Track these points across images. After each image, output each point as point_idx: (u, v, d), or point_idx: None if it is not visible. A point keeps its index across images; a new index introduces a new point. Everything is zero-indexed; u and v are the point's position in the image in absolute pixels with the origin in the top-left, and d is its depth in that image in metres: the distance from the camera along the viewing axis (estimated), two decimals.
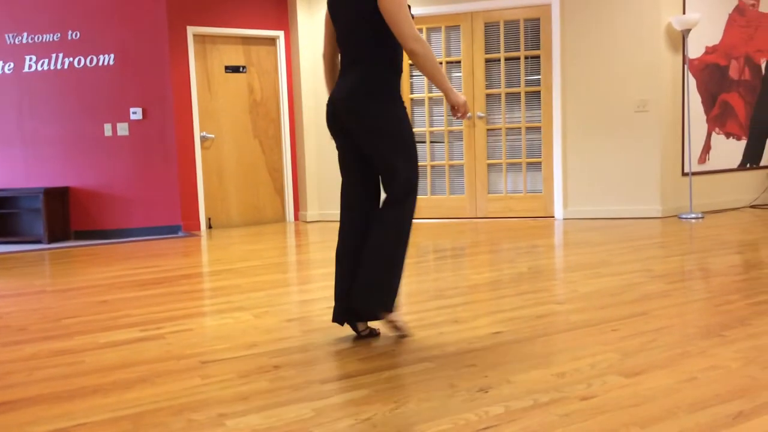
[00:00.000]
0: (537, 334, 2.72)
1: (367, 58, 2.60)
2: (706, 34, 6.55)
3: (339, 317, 2.74)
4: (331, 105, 2.68)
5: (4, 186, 6.88)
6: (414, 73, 7.08)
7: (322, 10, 7.20)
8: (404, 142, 2.61)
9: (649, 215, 6.36)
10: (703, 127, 6.65)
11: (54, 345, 2.86)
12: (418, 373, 2.30)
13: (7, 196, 6.70)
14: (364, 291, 2.61)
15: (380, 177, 2.69)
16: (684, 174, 6.53)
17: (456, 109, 2.60)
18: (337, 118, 2.67)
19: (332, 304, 3.41)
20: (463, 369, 2.33)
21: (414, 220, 2.71)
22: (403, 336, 2.75)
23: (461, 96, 2.60)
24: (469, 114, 2.62)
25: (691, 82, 6.50)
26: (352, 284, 2.67)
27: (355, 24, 2.60)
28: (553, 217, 6.70)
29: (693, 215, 6.25)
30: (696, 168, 6.60)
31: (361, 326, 2.76)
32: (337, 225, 6.90)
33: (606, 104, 6.43)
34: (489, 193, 6.93)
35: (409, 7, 2.58)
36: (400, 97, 2.66)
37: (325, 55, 2.83)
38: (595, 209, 6.53)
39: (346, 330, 2.89)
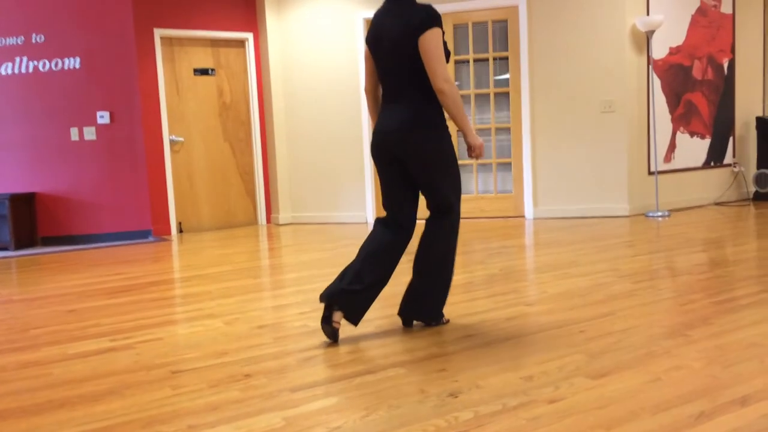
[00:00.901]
0: (507, 337, 2.75)
1: (412, 93, 2.78)
2: (670, 35, 6.68)
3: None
4: (379, 136, 2.84)
5: None
6: None
7: (291, 13, 7.18)
8: (452, 173, 2.85)
9: (616, 214, 6.47)
10: (668, 126, 6.78)
11: (21, 357, 2.82)
12: (388, 379, 2.32)
13: None
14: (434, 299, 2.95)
15: (428, 201, 2.92)
16: (650, 173, 6.64)
17: (472, 149, 2.82)
18: (385, 149, 2.83)
19: (304, 310, 3.42)
20: (434, 374, 2.35)
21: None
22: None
23: (479, 139, 2.83)
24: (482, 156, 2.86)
25: (656, 82, 6.62)
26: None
27: (398, 61, 2.77)
28: (524, 216, 6.77)
29: (659, 213, 6.36)
30: (662, 167, 6.73)
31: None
32: (310, 227, 6.89)
33: (573, 105, 6.51)
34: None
35: (447, 48, 2.77)
36: (446, 126, 2.83)
37: (368, 90, 3.00)
38: (564, 208, 6.61)
39: (317, 337, 2.90)
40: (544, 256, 4.62)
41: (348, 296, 2.75)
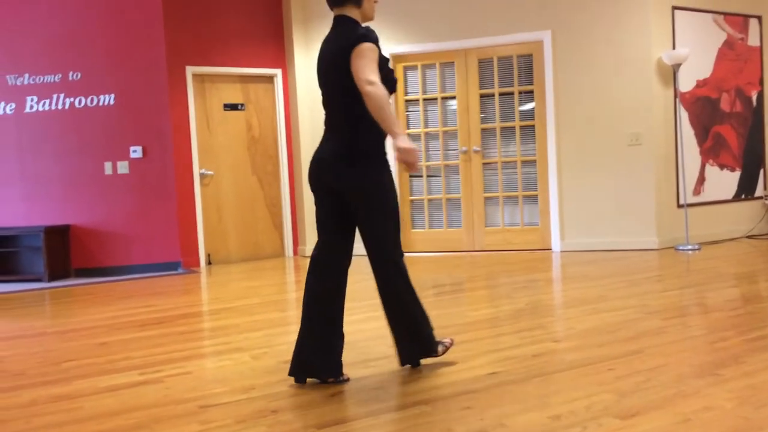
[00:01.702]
0: (533, 374, 2.74)
1: (345, 122, 2.73)
2: (697, 67, 6.66)
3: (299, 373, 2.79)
4: (312, 165, 2.78)
5: (5, 224, 6.92)
6: (410, 109, 7.17)
7: (318, 47, 7.31)
8: (389, 210, 2.73)
9: (645, 247, 6.40)
10: (697, 159, 6.73)
11: (53, 390, 2.87)
12: (414, 417, 2.32)
13: (8, 234, 6.74)
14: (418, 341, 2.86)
15: (364, 242, 2.79)
16: (679, 206, 6.58)
17: (401, 153, 2.52)
18: (317, 178, 2.78)
19: None
20: (459, 412, 2.34)
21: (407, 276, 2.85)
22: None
23: (410, 143, 2.53)
24: (418, 169, 2.73)
25: (683, 115, 6.59)
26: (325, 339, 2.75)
27: (332, 87, 2.75)
28: (551, 249, 6.73)
29: (690, 247, 6.28)
30: (691, 199, 6.66)
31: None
32: None
33: (600, 138, 6.50)
34: (486, 226, 6.97)
35: (393, 76, 2.71)
36: (384, 160, 2.76)
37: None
38: (592, 241, 6.57)
39: (345, 371, 2.90)
40: (572, 290, 4.58)
41: (320, 363, 2.73)
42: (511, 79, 6.83)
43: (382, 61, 2.70)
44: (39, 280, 6.60)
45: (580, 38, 6.52)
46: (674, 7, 6.52)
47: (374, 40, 2.66)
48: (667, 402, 2.33)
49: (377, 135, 2.72)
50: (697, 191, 6.72)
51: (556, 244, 6.68)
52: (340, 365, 2.76)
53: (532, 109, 6.78)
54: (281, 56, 7.44)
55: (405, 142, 2.52)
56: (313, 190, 2.82)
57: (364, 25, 2.76)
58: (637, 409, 2.28)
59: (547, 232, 6.77)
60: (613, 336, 3.28)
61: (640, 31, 6.36)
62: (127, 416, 2.49)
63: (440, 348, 2.95)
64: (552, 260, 6.12)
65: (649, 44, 6.34)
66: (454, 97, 7.02)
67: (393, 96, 7.25)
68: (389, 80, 2.67)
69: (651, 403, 2.34)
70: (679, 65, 6.32)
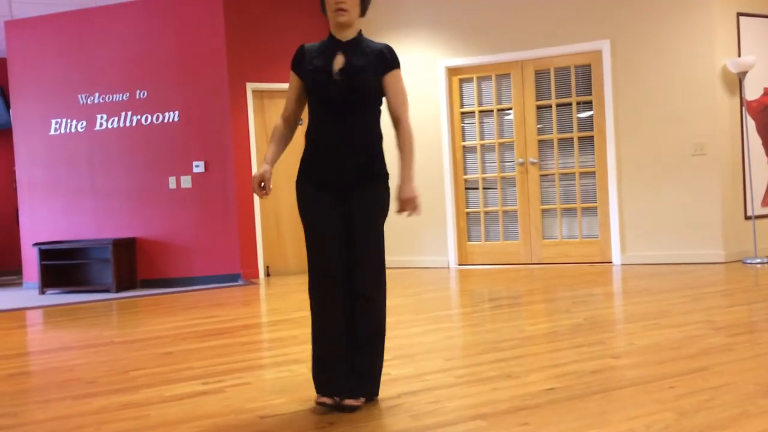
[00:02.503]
0: (592, 391, 2.70)
1: None
2: (764, 75, 6.44)
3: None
4: None
5: (76, 237, 7.25)
6: (465, 121, 7.17)
7: None
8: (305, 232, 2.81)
9: (711, 260, 6.20)
10: (765, 168, 6.49)
11: (122, 398, 2.99)
12: None
13: (79, 247, 7.05)
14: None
15: None
16: (747, 217, 6.35)
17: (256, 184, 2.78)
18: None
19: (385, 357, 3.46)
20: (516, 428, 2.33)
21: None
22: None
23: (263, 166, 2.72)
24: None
25: (750, 124, 6.37)
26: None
27: None
28: (611, 262, 6.60)
29: (758, 260, 6.05)
30: (759, 211, 6.42)
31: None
32: (390, 272, 6.96)
33: (661, 148, 6.35)
34: (543, 238, 6.89)
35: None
36: (300, 179, 2.82)
37: None
38: (654, 254, 6.40)
39: (399, 385, 2.93)
40: (633, 305, 4.49)
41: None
42: (569, 89, 6.76)
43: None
44: (107, 290, 6.87)
45: (640, 47, 6.40)
46: (739, 14, 6.33)
47: (293, 65, 2.73)
48: (731, 422, 2.27)
49: (306, 154, 2.79)
50: (765, 202, 6.47)
51: (616, 257, 6.55)
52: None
53: (591, 119, 6.68)
54: None
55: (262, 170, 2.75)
56: None
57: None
58: (699, 428, 2.22)
59: (607, 244, 6.64)
60: (676, 353, 3.20)
61: (704, 39, 6.20)
62: (190, 425, 2.57)
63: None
64: (612, 274, 5.99)
65: (713, 52, 6.18)
66: (510, 109, 6.99)
67: (445, 108, 7.17)
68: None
69: (714, 422, 2.27)
70: (745, 73, 6.13)
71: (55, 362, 3.79)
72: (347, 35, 2.67)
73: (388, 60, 2.65)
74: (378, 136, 2.70)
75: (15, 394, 3.16)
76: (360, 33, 2.70)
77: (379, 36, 7.42)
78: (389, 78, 2.65)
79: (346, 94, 2.61)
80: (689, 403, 2.49)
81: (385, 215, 2.70)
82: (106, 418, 2.72)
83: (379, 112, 2.73)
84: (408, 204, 2.61)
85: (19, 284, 8.01)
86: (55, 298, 6.63)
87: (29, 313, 5.86)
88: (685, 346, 3.30)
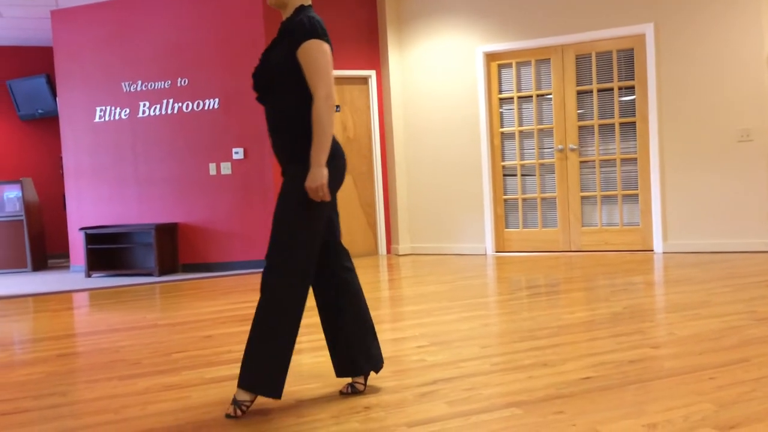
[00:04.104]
0: (629, 381, 2.67)
1: None
2: None
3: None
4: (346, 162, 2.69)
5: (120, 222, 7.44)
6: (504, 107, 7.11)
7: (412, 49, 7.39)
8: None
9: (756, 249, 6.05)
10: None
11: (164, 380, 3.08)
12: (504, 419, 2.33)
13: (123, 232, 7.23)
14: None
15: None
16: None
17: None
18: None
19: (421, 343, 3.48)
20: (551, 416, 2.33)
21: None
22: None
23: None
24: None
25: None
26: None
27: None
28: (653, 250, 6.49)
29: None
30: None
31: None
32: (428, 258, 6.98)
33: (706, 134, 6.20)
34: (583, 225, 6.81)
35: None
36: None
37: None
38: (697, 243, 6.28)
39: (434, 371, 2.95)
40: (673, 294, 4.42)
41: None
42: (611, 74, 6.64)
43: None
44: (150, 274, 7.04)
45: (685, 30, 6.24)
46: None
47: None
48: None
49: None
50: None
51: (658, 245, 6.44)
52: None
53: (633, 105, 6.55)
54: (375, 58, 7.56)
55: None
56: (339, 187, 2.68)
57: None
58: (738, 420, 2.19)
59: (649, 232, 6.53)
60: (716, 343, 3.14)
61: (752, 22, 6.01)
62: (229, 407, 2.63)
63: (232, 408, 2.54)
64: (653, 262, 5.90)
65: (761, 35, 5.98)
66: (549, 95, 6.90)
67: (483, 94, 7.13)
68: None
69: (754, 414, 2.24)
70: None
71: (102, 343, 3.92)
72: (285, 15, 2.61)
73: (295, 36, 2.48)
74: (300, 118, 2.51)
75: (64, 374, 3.28)
76: (296, 10, 2.56)
77: (416, 23, 7.40)
78: (300, 54, 2.47)
79: (257, 81, 2.60)
80: (728, 394, 2.45)
81: (294, 199, 2.49)
82: (150, 398, 2.81)
83: (300, 92, 2.51)
84: (312, 193, 2.43)
85: (66, 267, 8.27)
86: (100, 281, 6.83)
87: (76, 295, 6.05)
88: (726, 337, 3.25)
